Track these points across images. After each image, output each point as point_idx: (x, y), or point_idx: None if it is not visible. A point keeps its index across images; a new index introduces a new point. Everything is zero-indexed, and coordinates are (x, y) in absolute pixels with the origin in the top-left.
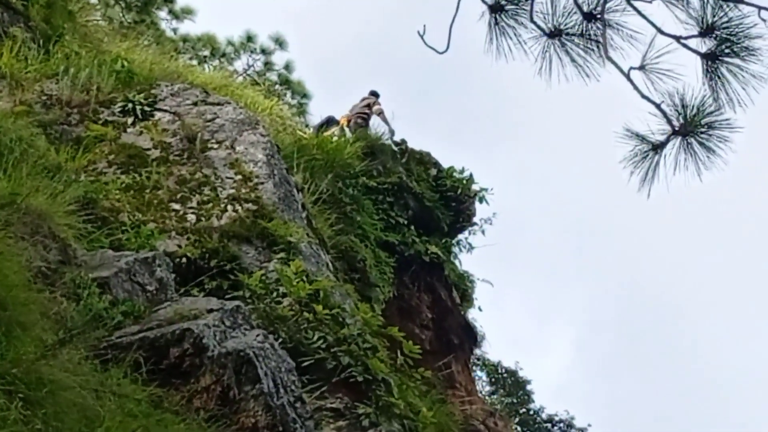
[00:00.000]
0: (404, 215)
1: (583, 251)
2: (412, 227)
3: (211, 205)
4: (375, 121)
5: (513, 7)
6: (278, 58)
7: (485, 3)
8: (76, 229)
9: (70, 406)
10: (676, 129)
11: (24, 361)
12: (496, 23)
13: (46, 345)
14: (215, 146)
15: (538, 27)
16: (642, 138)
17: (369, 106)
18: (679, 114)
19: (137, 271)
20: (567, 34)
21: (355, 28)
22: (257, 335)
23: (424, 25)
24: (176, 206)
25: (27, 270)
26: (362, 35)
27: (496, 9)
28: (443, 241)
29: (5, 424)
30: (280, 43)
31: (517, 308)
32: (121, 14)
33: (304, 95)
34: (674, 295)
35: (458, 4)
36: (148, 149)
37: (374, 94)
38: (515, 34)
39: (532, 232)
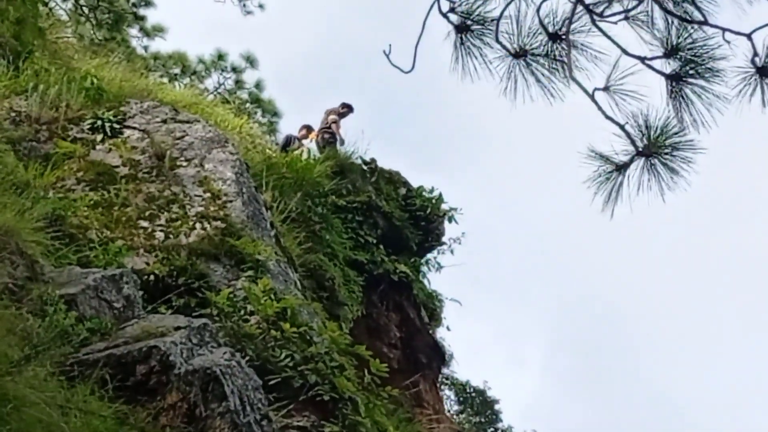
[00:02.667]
0: (373, 234)
1: (550, 269)
2: (381, 246)
3: (179, 222)
4: (346, 139)
5: (479, 27)
6: (249, 77)
7: (451, 23)
8: (43, 245)
9: (35, 422)
10: (640, 150)
11: None
12: (462, 43)
13: (11, 361)
14: (184, 164)
15: (504, 47)
16: (606, 159)
17: (335, 117)
18: (643, 135)
19: (104, 288)
20: (532, 54)
21: (325, 46)
22: (224, 353)
23: (390, 45)
24: (144, 224)
25: None
26: (331, 52)
27: (462, 29)
28: (412, 260)
29: None
30: (251, 61)
31: (485, 327)
32: (91, 31)
33: (275, 113)
34: (644, 314)
35: (424, 23)
36: (117, 166)
37: (345, 106)
38: (481, 54)
39: (500, 251)
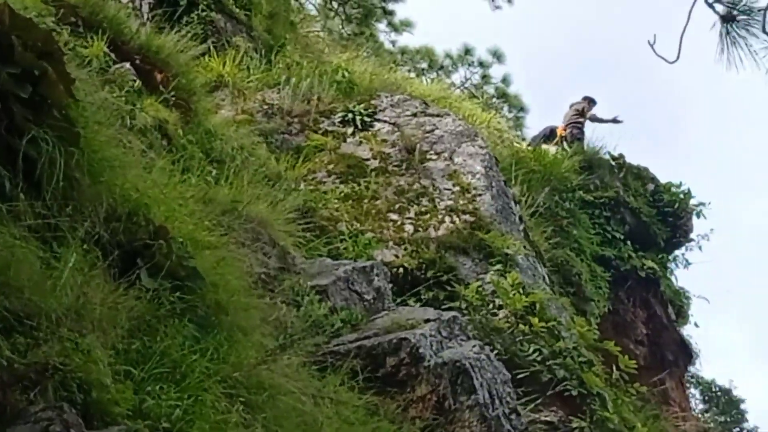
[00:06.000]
0: (620, 230)
1: None
2: (629, 242)
3: (428, 215)
4: (592, 133)
5: (745, 17)
6: (495, 72)
7: (717, 13)
8: (295, 236)
9: (289, 410)
10: None
11: (245, 365)
12: (728, 33)
13: (266, 350)
14: (434, 157)
15: None
16: None
17: (580, 112)
18: None
19: (355, 280)
20: None
21: (571, 37)
22: (473, 346)
23: (654, 35)
24: (394, 216)
25: (248, 275)
26: (577, 43)
27: (727, 19)
28: (659, 256)
29: (227, 427)
30: (497, 56)
31: (732, 325)
32: (340, 26)
33: (521, 109)
34: None
35: (690, 14)
36: (367, 159)
37: (588, 100)
38: (746, 45)
39: (747, 245)
